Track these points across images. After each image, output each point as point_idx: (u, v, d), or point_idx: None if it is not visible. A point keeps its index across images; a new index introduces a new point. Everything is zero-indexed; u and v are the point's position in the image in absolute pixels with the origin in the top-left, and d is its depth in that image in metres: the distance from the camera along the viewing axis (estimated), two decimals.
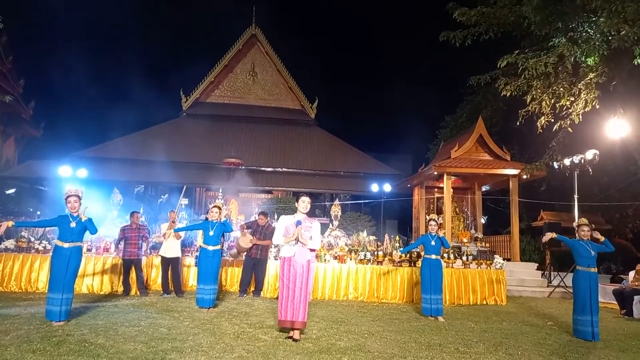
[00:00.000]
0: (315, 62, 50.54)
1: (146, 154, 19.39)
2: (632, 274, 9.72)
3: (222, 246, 8.32)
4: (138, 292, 8.51)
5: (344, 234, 12.06)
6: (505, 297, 9.59)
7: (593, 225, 6.71)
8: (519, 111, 11.44)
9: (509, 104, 15.50)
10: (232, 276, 9.48)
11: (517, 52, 10.84)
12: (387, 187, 17.53)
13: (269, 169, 21.03)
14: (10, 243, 9.10)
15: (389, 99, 50.71)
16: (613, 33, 8.77)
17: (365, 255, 9.69)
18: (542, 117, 11.05)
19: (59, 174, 15.44)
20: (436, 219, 7.82)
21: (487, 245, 14.11)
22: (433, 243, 7.51)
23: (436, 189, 16.11)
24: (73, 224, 5.79)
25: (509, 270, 11.30)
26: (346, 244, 10.78)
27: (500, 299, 9.43)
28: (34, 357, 4.15)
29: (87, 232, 6.06)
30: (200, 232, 8.46)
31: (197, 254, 8.92)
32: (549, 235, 6.77)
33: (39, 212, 15.34)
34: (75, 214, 5.86)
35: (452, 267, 9.50)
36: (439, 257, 7.59)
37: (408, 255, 9.72)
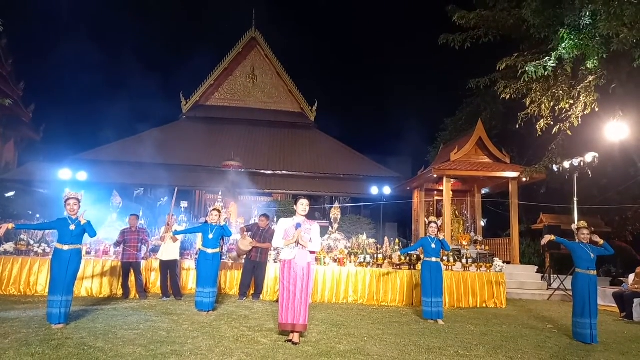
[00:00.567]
0: (315, 65, 50.61)
1: (146, 157, 19.38)
2: (632, 276, 9.70)
3: (222, 249, 8.31)
4: (137, 295, 8.50)
5: (344, 237, 12.04)
6: (505, 300, 9.58)
7: (592, 228, 6.71)
8: (519, 114, 11.46)
9: (508, 106, 15.54)
10: (231, 279, 9.47)
11: (516, 55, 10.87)
12: (387, 190, 17.53)
13: (269, 172, 21.03)
14: (9, 246, 9.10)
15: (389, 101, 50.83)
16: (612, 36, 8.78)
17: (365, 258, 9.68)
18: (542, 120, 11.07)
19: (59, 176, 15.44)
20: (437, 222, 7.80)
21: (487, 248, 14.10)
22: (433, 246, 7.50)
23: (436, 192, 16.11)
24: (72, 227, 5.79)
25: (508, 273, 11.29)
26: (346, 247, 10.77)
27: (500, 301, 9.42)
28: None
29: (87, 235, 6.06)
30: (199, 235, 8.45)
31: (197, 257, 8.92)
32: (547, 238, 6.77)
33: (38, 215, 15.32)
34: (74, 217, 5.87)
35: (451, 270, 9.50)
36: (439, 259, 7.59)
37: (408, 258, 9.71)
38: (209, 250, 7.11)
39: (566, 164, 11.06)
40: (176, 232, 8.23)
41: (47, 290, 7.98)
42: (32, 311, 6.63)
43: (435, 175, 13.91)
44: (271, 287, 9.00)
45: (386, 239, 11.11)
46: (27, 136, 23.43)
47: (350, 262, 9.70)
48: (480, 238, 14.58)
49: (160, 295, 8.50)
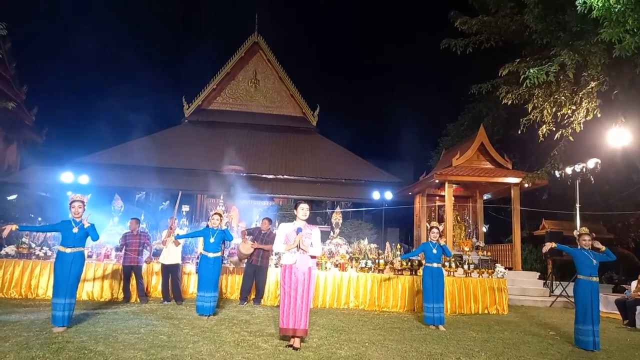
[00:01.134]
0: (317, 70, 50.73)
1: (148, 161, 19.39)
2: (634, 283, 9.67)
3: (223, 253, 8.30)
4: (138, 299, 8.49)
5: (345, 242, 12.03)
6: (507, 306, 9.54)
7: (594, 235, 6.69)
8: (521, 119, 11.46)
9: (510, 112, 15.53)
10: (232, 284, 9.45)
11: (518, 60, 10.89)
12: (389, 195, 17.51)
13: (270, 176, 21.04)
14: (11, 249, 9.10)
15: (391, 106, 50.88)
16: (614, 42, 8.79)
17: (366, 263, 9.66)
18: (544, 126, 11.08)
19: (61, 180, 15.46)
20: (438, 227, 7.76)
21: (489, 254, 14.07)
22: (434, 251, 7.48)
23: (437, 197, 16.09)
24: (75, 230, 5.80)
25: (510, 279, 11.26)
26: (347, 252, 10.75)
27: (502, 308, 9.39)
28: None
29: (89, 239, 6.07)
30: (200, 240, 8.45)
31: (198, 261, 8.91)
32: (548, 245, 6.74)
33: (40, 218, 15.35)
34: (78, 220, 5.88)
35: (453, 275, 9.47)
36: (440, 265, 7.55)
37: (409, 264, 9.69)
38: (210, 255, 7.11)
39: (568, 170, 11.04)
40: (178, 236, 8.23)
41: (48, 293, 8.02)
42: (33, 314, 6.62)
43: (437, 181, 13.90)
44: (272, 291, 8.98)
45: (387, 244, 11.10)
46: (29, 139, 23.47)
47: (352, 267, 9.68)
48: (482, 244, 14.54)
49: (161, 299, 8.49)
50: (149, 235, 9.10)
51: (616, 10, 7.81)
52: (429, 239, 7.66)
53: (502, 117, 17.57)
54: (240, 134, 23.81)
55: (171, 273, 8.40)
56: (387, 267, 9.68)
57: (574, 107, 10.53)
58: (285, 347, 5.20)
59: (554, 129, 11.08)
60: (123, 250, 8.58)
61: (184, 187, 15.80)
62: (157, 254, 9.23)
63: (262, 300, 8.85)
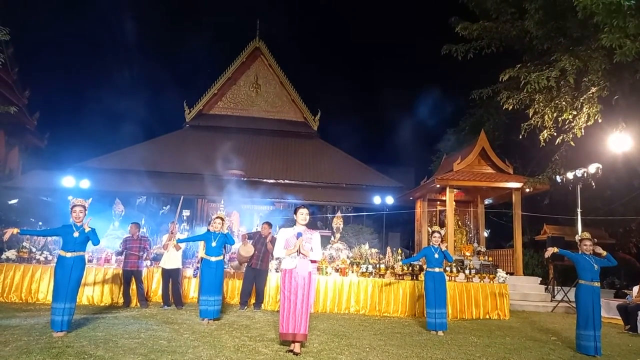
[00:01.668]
0: (318, 75, 50.82)
1: (149, 165, 19.39)
2: (636, 289, 9.65)
3: (224, 257, 8.30)
4: (138, 304, 8.48)
5: (346, 247, 12.01)
6: (508, 311, 9.51)
7: (595, 240, 6.67)
8: (522, 125, 11.47)
9: (511, 117, 15.53)
10: (232, 288, 9.44)
11: (519, 65, 10.91)
12: (390, 200, 17.50)
13: (271, 181, 21.04)
14: (11, 253, 9.09)
15: (392, 111, 50.88)
16: (615, 47, 8.81)
17: (367, 268, 9.64)
18: (545, 131, 11.07)
19: (62, 184, 15.48)
20: (440, 231, 7.70)
21: (490, 259, 14.02)
22: (436, 256, 7.45)
23: (439, 202, 16.07)
24: (76, 234, 5.80)
25: (511, 284, 11.23)
26: (348, 257, 10.73)
27: (504, 313, 9.36)
28: None
29: (90, 243, 6.07)
30: (201, 244, 8.45)
31: (198, 265, 8.91)
32: (550, 250, 6.72)
33: (40, 223, 15.33)
34: (79, 224, 5.88)
35: (454, 280, 9.45)
36: (442, 270, 7.52)
37: (410, 268, 9.67)
38: (212, 258, 7.11)
39: (569, 175, 11.03)
40: (180, 240, 8.23)
41: (48, 297, 8.01)
42: (33, 319, 6.62)
43: (438, 185, 13.89)
44: (272, 296, 8.96)
45: (388, 249, 11.08)
46: (31, 144, 23.53)
47: (353, 272, 9.66)
48: (483, 249, 14.51)
49: (162, 304, 8.48)
50: (149, 240, 9.10)
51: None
52: (431, 244, 7.64)
53: (503, 122, 17.58)
54: (241, 139, 23.82)
55: (172, 277, 8.39)
56: (388, 272, 9.66)
57: (574, 113, 10.53)
58: (286, 352, 5.19)
59: (555, 134, 11.07)
60: (123, 255, 8.58)
61: (184, 192, 15.81)
62: (157, 258, 9.23)
63: (262, 305, 8.83)
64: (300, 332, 5.19)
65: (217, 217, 7.48)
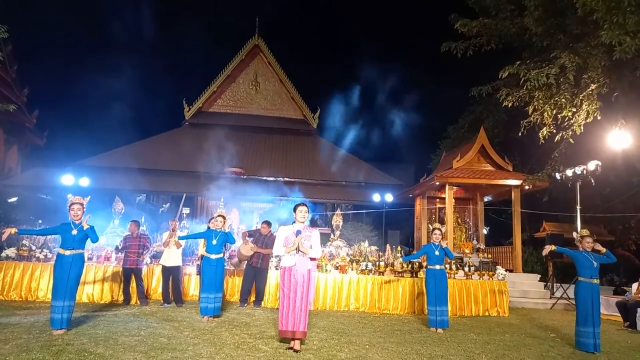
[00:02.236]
0: (317, 72, 50.77)
1: (148, 163, 19.39)
2: (635, 285, 9.65)
3: (224, 255, 8.31)
4: (138, 302, 8.48)
5: (345, 244, 12.02)
6: (508, 308, 9.52)
7: (594, 236, 6.68)
8: (521, 122, 11.46)
9: (510, 114, 15.55)
10: (232, 286, 9.45)
11: (518, 63, 10.89)
12: (389, 197, 17.51)
13: (271, 179, 21.04)
14: (11, 251, 9.09)
15: (391, 108, 50.81)
16: (614, 44, 8.81)
17: (366, 266, 9.65)
18: (544, 128, 11.07)
19: (62, 182, 15.48)
20: (441, 228, 7.70)
21: (489, 256, 14.05)
22: (437, 253, 7.44)
23: (438, 199, 16.08)
24: (74, 232, 5.80)
25: (511, 281, 11.24)
26: (347, 254, 10.75)
27: (503, 310, 9.37)
28: None
29: (89, 241, 6.06)
30: (201, 241, 8.45)
31: (199, 262, 8.91)
32: (548, 248, 6.72)
33: (40, 221, 15.33)
34: (77, 222, 5.87)
35: (454, 278, 9.45)
36: (443, 267, 7.51)
37: (409, 266, 9.68)
38: (213, 256, 7.11)
39: (569, 172, 11.04)
40: (181, 238, 8.23)
41: (48, 295, 8.02)
42: (33, 317, 6.62)
43: (437, 183, 13.89)
44: (272, 294, 8.97)
45: (388, 246, 11.09)
46: (30, 142, 23.50)
47: (352, 269, 9.67)
48: (482, 246, 14.52)
49: (161, 301, 8.48)
50: (149, 238, 9.10)
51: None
52: (432, 241, 7.63)
53: (503, 120, 17.59)
54: (240, 137, 23.81)
55: (172, 275, 8.39)
56: (388, 269, 9.67)
57: (574, 110, 10.52)
58: (286, 349, 5.19)
59: (554, 131, 11.07)
60: (123, 253, 8.58)
61: (184, 190, 15.82)
62: (157, 256, 9.23)
63: (262, 303, 8.84)
64: (300, 330, 5.20)
65: (218, 215, 7.48)
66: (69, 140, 26.08)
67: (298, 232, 5.37)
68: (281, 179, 21.08)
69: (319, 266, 9.30)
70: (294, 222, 5.57)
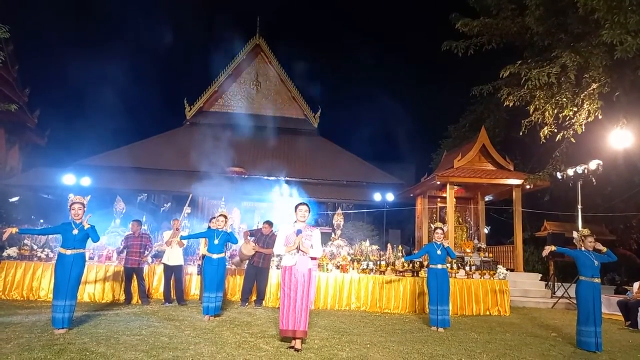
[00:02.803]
0: (318, 72, 50.78)
1: (150, 163, 19.40)
2: (636, 285, 9.65)
3: (226, 255, 8.32)
4: (139, 301, 8.49)
5: (347, 244, 12.02)
6: (509, 307, 9.52)
7: (595, 236, 6.68)
8: (522, 121, 11.46)
9: (511, 114, 15.53)
10: (233, 285, 9.45)
11: (519, 62, 10.89)
12: (390, 197, 17.50)
13: (272, 178, 21.04)
14: (12, 251, 9.11)
15: (392, 108, 50.78)
16: (616, 44, 8.80)
17: (367, 265, 9.65)
18: (545, 128, 11.06)
19: (63, 182, 15.50)
20: (443, 227, 7.68)
21: (491, 255, 14.04)
22: (439, 252, 7.44)
23: (439, 199, 16.08)
24: (75, 231, 5.80)
25: (512, 280, 11.24)
26: (348, 254, 10.75)
27: (504, 309, 9.37)
28: None
29: (90, 241, 6.07)
30: (202, 241, 8.45)
31: (200, 262, 8.92)
32: (548, 249, 6.72)
33: (41, 220, 15.35)
34: (78, 222, 5.88)
35: (455, 277, 9.45)
36: (444, 266, 7.50)
37: (411, 265, 9.68)
38: (214, 256, 7.11)
39: (570, 172, 11.03)
40: (183, 237, 8.23)
41: (49, 295, 8.03)
42: (34, 316, 6.64)
43: (438, 182, 13.89)
44: (274, 293, 8.98)
45: (389, 245, 11.09)
46: (31, 141, 23.54)
47: (353, 268, 9.68)
48: (483, 245, 14.52)
49: (163, 300, 8.49)
50: (150, 237, 9.12)
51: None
52: (434, 240, 7.62)
53: (504, 119, 17.57)
54: (241, 136, 23.82)
55: (174, 274, 8.40)
56: (389, 268, 9.67)
57: (575, 109, 10.51)
58: (287, 348, 5.20)
59: (555, 130, 11.07)
60: (125, 252, 8.60)
61: (185, 190, 15.84)
62: (158, 255, 9.23)
63: (263, 302, 8.85)
64: (300, 329, 5.20)
65: (220, 215, 7.48)
66: (71, 139, 26.13)
67: (299, 232, 5.37)
68: (282, 178, 21.09)
69: (320, 265, 9.31)
70: (295, 221, 5.58)
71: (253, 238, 8.97)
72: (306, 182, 21.03)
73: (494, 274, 9.75)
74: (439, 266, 7.41)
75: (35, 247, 9.33)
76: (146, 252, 8.73)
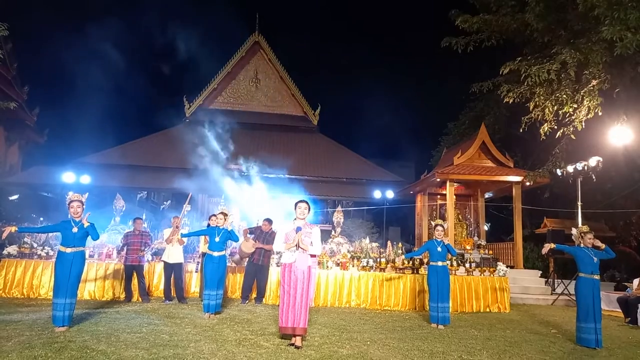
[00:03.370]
0: (318, 69, 50.72)
1: (149, 160, 19.39)
2: (636, 281, 9.67)
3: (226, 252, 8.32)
4: (140, 299, 8.50)
5: (347, 241, 12.02)
6: (509, 304, 9.53)
7: (593, 232, 6.68)
8: (522, 118, 11.43)
9: (511, 110, 15.51)
10: (234, 283, 9.46)
11: (519, 59, 10.86)
12: (390, 194, 17.50)
13: (272, 176, 21.04)
14: (13, 249, 9.12)
15: (392, 105, 50.79)
16: (616, 40, 8.77)
17: (367, 262, 9.66)
18: (545, 124, 11.03)
19: (63, 180, 15.49)
20: (443, 225, 7.68)
21: (490, 252, 14.04)
22: (439, 249, 7.44)
23: (439, 196, 16.07)
24: (75, 229, 5.80)
25: (512, 277, 11.24)
26: (348, 251, 10.75)
27: (504, 306, 9.38)
28: None
29: (90, 239, 6.07)
30: (203, 238, 8.44)
31: (200, 260, 8.92)
32: (547, 247, 6.72)
33: (42, 219, 15.37)
34: (77, 220, 5.87)
35: (455, 274, 9.46)
36: (445, 263, 7.50)
37: (411, 262, 9.68)
38: (215, 253, 7.11)
39: (570, 169, 11.02)
40: (183, 235, 8.24)
41: (50, 293, 8.03)
42: (35, 314, 6.64)
43: (438, 179, 13.89)
44: (274, 290, 8.99)
45: (389, 243, 11.09)
46: (31, 139, 23.51)
47: (353, 266, 9.68)
48: (483, 242, 14.52)
49: (163, 298, 8.50)
50: (150, 235, 9.11)
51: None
52: (434, 237, 7.62)
53: (504, 116, 17.56)
54: (241, 134, 23.79)
55: (175, 271, 8.40)
56: (389, 266, 9.68)
57: (575, 106, 10.49)
58: (287, 345, 5.20)
59: (555, 127, 11.04)
60: (125, 250, 8.60)
61: (184, 187, 15.82)
62: (158, 253, 9.24)
63: (263, 299, 8.86)
64: (300, 326, 5.20)
65: (220, 213, 7.48)
66: (70, 137, 26.14)
67: (298, 229, 5.37)
68: (282, 176, 21.08)
69: (320, 263, 9.31)
70: (295, 218, 5.58)
71: (253, 236, 8.97)
72: (306, 180, 21.04)
73: (494, 271, 9.76)
74: (440, 263, 7.41)
75: (35, 245, 9.34)
76: (145, 250, 8.74)
